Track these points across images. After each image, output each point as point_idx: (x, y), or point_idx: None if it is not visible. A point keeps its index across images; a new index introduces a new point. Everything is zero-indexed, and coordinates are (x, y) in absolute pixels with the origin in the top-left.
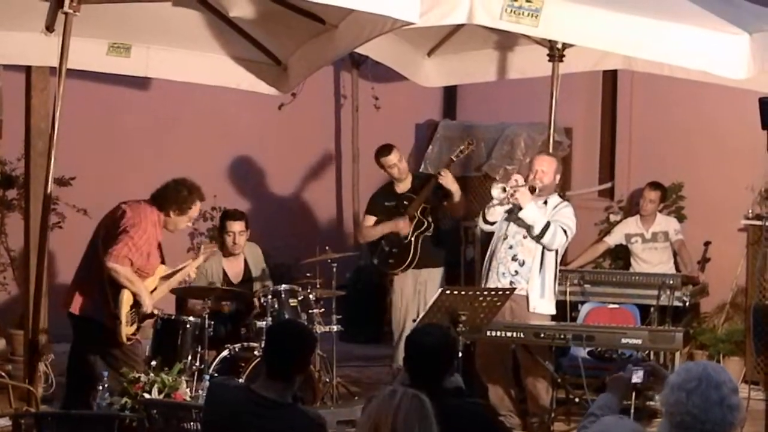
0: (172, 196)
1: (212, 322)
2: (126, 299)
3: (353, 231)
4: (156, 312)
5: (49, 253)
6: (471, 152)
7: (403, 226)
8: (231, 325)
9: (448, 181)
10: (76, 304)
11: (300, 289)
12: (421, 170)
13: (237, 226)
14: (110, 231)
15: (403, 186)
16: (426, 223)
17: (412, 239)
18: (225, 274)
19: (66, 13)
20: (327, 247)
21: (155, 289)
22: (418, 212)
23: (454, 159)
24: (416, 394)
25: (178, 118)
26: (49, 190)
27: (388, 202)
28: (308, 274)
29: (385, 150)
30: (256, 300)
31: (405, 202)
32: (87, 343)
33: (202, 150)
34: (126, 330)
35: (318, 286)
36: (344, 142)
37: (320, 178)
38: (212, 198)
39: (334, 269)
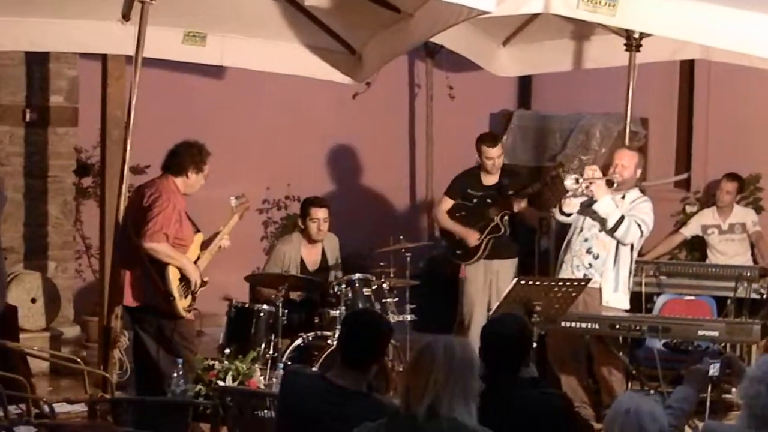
0: (187, 158)
1: (286, 311)
2: (173, 275)
3: (427, 221)
4: (205, 279)
5: None
6: (554, 183)
7: (472, 239)
8: (304, 313)
9: (518, 208)
10: (129, 297)
11: (374, 279)
12: None
13: (322, 213)
14: (136, 216)
15: (491, 179)
16: (502, 229)
17: (484, 241)
18: (303, 261)
19: (142, 2)
20: (401, 237)
21: (198, 258)
22: (498, 217)
23: (532, 191)
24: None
25: (253, 107)
26: (124, 178)
27: (472, 191)
28: (382, 264)
29: (490, 140)
30: (329, 288)
31: (488, 200)
32: (146, 333)
33: (276, 139)
34: (182, 303)
35: (392, 275)
36: (418, 131)
37: (394, 168)
38: (286, 186)
39: (408, 259)
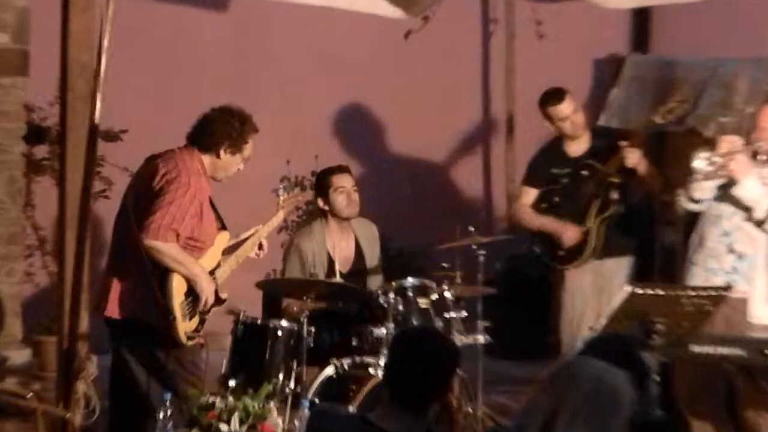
0: (222, 130)
1: (312, 329)
2: (177, 286)
3: (506, 207)
4: (223, 297)
5: (91, 231)
6: (682, 112)
7: (571, 235)
8: (337, 333)
9: (633, 161)
10: (114, 306)
11: (434, 285)
12: (600, 123)
13: (347, 180)
14: (143, 197)
15: (578, 146)
16: (610, 205)
17: (593, 225)
18: (330, 259)
19: None
20: (471, 228)
21: (217, 266)
22: (602, 191)
23: (654, 125)
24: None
25: (266, 52)
26: (92, 148)
27: (558, 169)
28: (444, 265)
29: (554, 96)
30: (372, 298)
31: (583, 172)
32: (133, 355)
33: (298, 95)
34: (184, 327)
35: (458, 281)
36: (494, 84)
37: (460, 135)
38: (312, 160)
39: (481, 259)
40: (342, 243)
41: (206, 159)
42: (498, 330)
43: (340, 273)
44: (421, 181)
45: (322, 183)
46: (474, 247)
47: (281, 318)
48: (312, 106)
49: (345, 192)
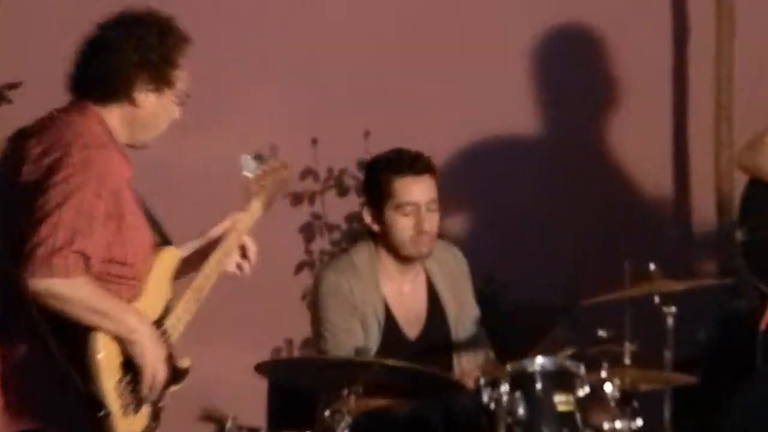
0: (129, 56)
1: None
2: (104, 355)
3: (716, 227)
4: (183, 366)
5: None
6: None
7: None
8: None
9: None
10: None
11: (582, 371)
12: None
13: (424, 190)
14: (14, 204)
15: None
16: None
17: None
18: (390, 315)
19: None
20: (651, 267)
21: (167, 311)
22: None
23: None
24: None
25: None
26: None
27: None
28: (601, 334)
29: None
30: (468, 394)
31: None
32: None
33: (332, 41)
34: (126, 426)
35: (627, 361)
36: (695, 50)
37: (628, 114)
38: (361, 139)
39: (670, 322)
40: (406, 289)
41: (112, 116)
42: None
43: (407, 341)
44: (552, 185)
45: (376, 184)
46: (657, 301)
47: (305, 429)
48: (352, 58)
49: (415, 212)
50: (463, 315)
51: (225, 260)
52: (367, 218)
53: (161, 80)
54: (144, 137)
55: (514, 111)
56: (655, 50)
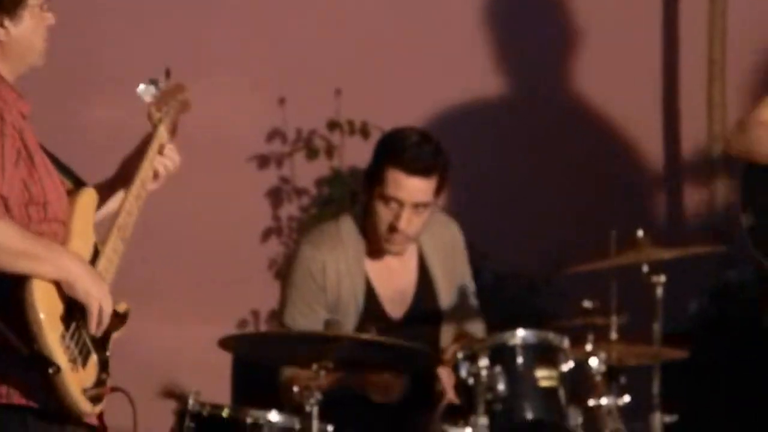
0: None
1: (330, 429)
2: (44, 302)
3: (705, 191)
4: (121, 310)
5: None
6: None
7: None
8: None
9: None
10: None
11: (565, 344)
12: None
13: (410, 189)
14: None
15: None
16: None
17: None
18: (370, 293)
19: None
20: (640, 233)
21: (96, 252)
22: None
23: None
24: None
25: None
26: None
27: None
28: (586, 305)
29: None
30: (446, 367)
31: None
32: None
33: None
34: (77, 379)
35: (614, 335)
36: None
37: (616, 71)
38: (332, 98)
39: (660, 293)
40: (393, 265)
41: None
42: (692, 429)
43: (390, 320)
44: (533, 148)
45: (375, 161)
46: (646, 270)
47: (272, 405)
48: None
49: (396, 208)
50: (452, 293)
51: (143, 192)
52: (363, 186)
53: (7, 7)
54: (27, 62)
55: (488, 70)
56: (645, 4)
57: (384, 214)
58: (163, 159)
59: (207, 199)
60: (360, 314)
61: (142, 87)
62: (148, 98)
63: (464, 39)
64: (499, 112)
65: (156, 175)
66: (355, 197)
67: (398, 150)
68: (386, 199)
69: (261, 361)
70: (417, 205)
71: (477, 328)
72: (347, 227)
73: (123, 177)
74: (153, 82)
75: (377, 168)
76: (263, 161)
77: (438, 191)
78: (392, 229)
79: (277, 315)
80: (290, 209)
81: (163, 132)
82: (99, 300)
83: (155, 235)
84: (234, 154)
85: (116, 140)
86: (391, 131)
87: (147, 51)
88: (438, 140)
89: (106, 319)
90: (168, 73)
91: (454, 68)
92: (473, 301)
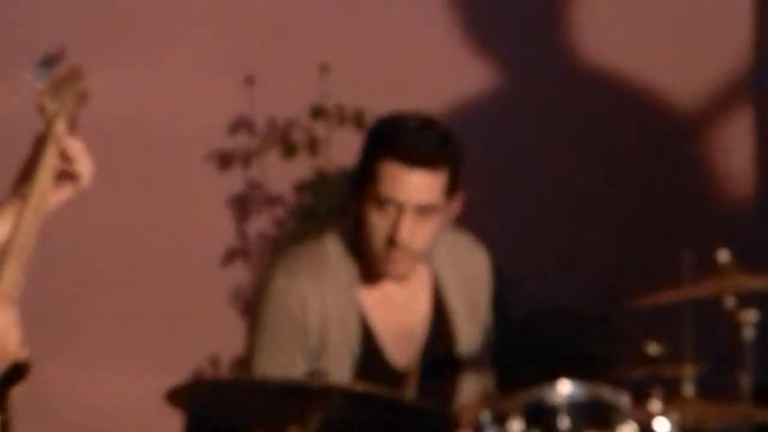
0: None
1: None
2: None
3: None
4: (24, 357)
5: None
6: None
7: None
8: None
9: None
10: None
11: (625, 402)
12: None
13: (411, 186)
14: None
15: None
16: None
17: None
18: (368, 333)
19: None
20: (724, 256)
21: None
22: None
23: None
24: None
25: None
26: None
27: None
28: (650, 349)
29: None
30: (464, 426)
31: None
32: None
33: None
34: None
35: (688, 390)
36: None
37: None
38: (317, 77)
39: (749, 333)
40: (397, 295)
41: None
42: None
43: (392, 369)
44: (581, 147)
45: (364, 155)
46: (731, 304)
47: None
48: None
49: (395, 214)
50: (474, 335)
51: (42, 205)
52: (351, 189)
53: None
54: None
55: (519, 42)
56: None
57: (379, 222)
58: (70, 161)
59: (150, 212)
60: (355, 362)
61: (33, 70)
62: (40, 85)
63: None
64: (532, 99)
65: (74, 179)
66: (347, 208)
67: (394, 137)
68: (381, 202)
69: (222, 422)
70: (421, 209)
71: (484, 374)
72: (334, 247)
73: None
74: (47, 62)
75: (368, 162)
76: (225, 160)
77: (449, 192)
78: (391, 242)
79: (243, 364)
80: (260, 223)
81: (60, 127)
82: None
83: (80, 260)
84: (187, 150)
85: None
86: (385, 116)
87: (72, 22)
88: (447, 128)
89: (10, 355)
90: (61, 53)
91: (476, 38)
92: (487, 342)
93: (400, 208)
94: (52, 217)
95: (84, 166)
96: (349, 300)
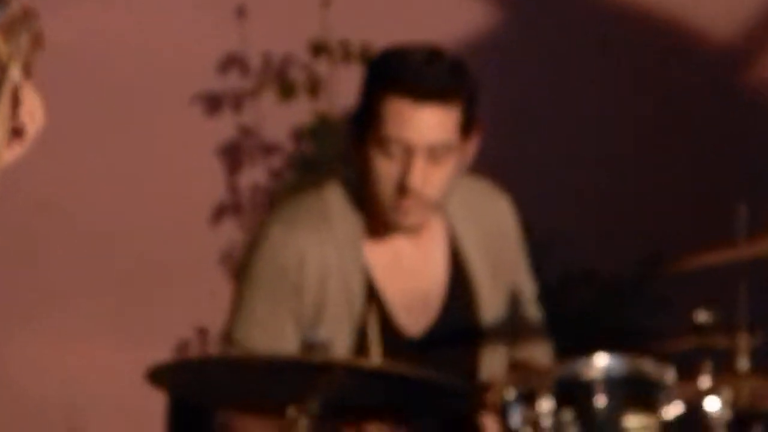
0: None
1: None
2: None
3: None
4: None
5: None
6: None
7: None
8: None
9: None
10: None
11: (669, 376)
12: None
13: (420, 123)
14: None
15: None
16: None
17: None
18: (375, 296)
19: None
20: None
21: None
22: None
23: None
24: None
25: None
26: None
27: None
28: (699, 317)
29: None
30: (490, 411)
31: None
32: None
33: None
34: None
35: (743, 362)
36: None
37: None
38: (317, 8)
39: None
40: (408, 252)
41: None
42: None
43: (404, 338)
44: (619, 94)
45: (365, 94)
46: None
47: None
48: None
49: (404, 156)
50: (507, 296)
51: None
52: (352, 132)
53: None
54: None
55: None
56: None
57: (386, 168)
58: (26, 110)
59: (128, 162)
60: (358, 330)
61: None
62: None
63: None
64: (560, 33)
65: (19, 134)
66: (350, 154)
67: (398, 70)
68: (387, 145)
69: (210, 404)
70: (433, 150)
71: (538, 352)
72: (337, 198)
73: None
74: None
75: (371, 100)
76: (214, 103)
77: (464, 131)
78: (400, 189)
79: (224, 328)
80: (254, 175)
81: (16, 73)
82: None
83: (50, 220)
84: (170, 92)
85: None
86: (389, 48)
87: None
88: (458, 58)
89: None
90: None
91: None
92: (533, 311)
93: (410, 150)
94: (18, 170)
95: (33, 119)
96: (352, 257)
